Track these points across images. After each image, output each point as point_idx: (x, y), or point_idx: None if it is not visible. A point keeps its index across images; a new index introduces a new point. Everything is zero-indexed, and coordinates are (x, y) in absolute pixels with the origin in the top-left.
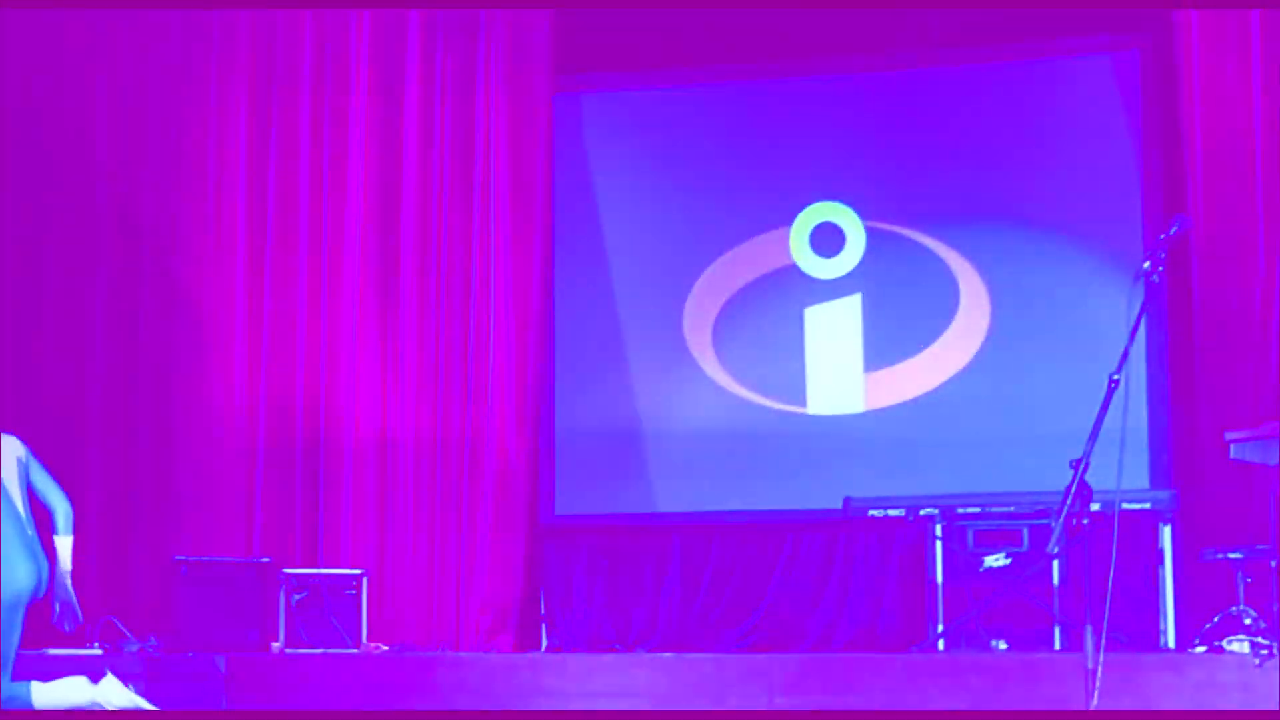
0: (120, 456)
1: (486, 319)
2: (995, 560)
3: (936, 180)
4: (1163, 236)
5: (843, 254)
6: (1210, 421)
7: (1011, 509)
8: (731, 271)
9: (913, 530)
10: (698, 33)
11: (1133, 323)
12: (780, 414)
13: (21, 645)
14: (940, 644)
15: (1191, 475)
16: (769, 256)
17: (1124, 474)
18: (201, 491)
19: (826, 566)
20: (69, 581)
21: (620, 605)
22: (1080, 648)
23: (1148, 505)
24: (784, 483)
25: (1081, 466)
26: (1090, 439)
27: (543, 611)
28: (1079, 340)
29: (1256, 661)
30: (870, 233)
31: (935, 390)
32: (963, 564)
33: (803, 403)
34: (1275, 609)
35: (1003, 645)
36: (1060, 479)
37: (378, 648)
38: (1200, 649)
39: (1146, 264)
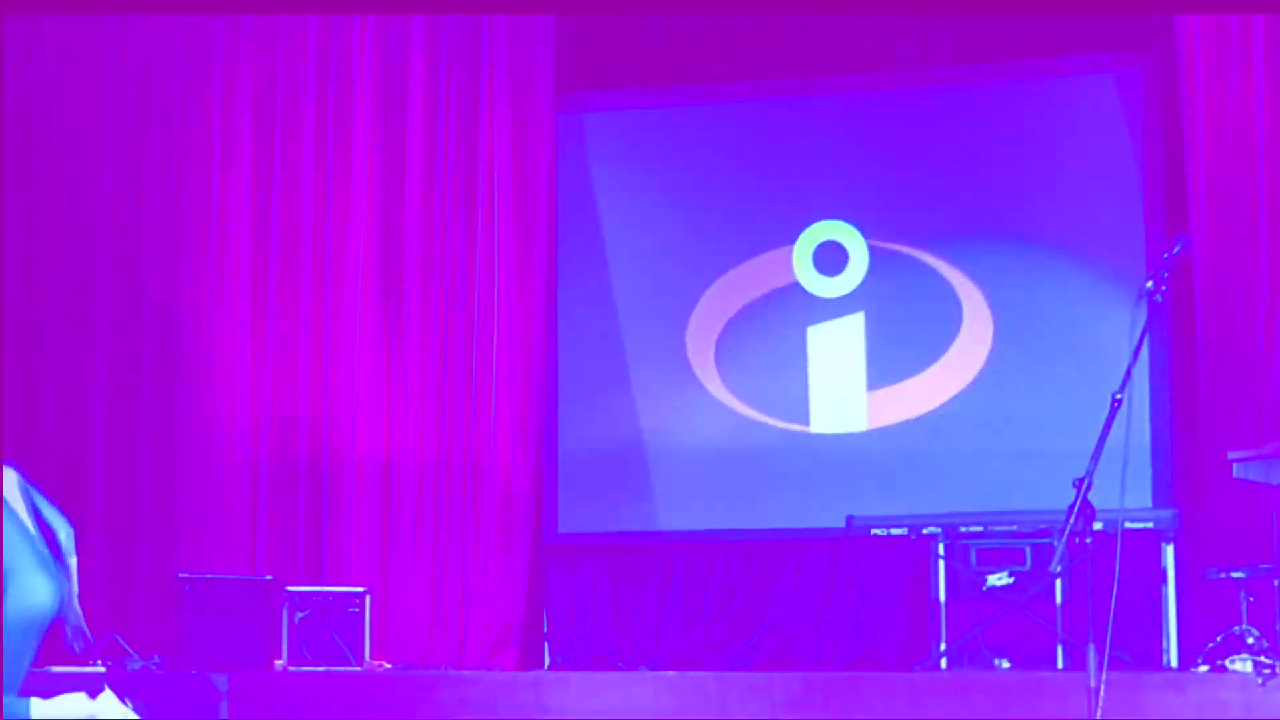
0: (124, 474)
1: (489, 337)
2: (998, 579)
3: (939, 198)
4: (1166, 256)
5: (846, 272)
6: (1213, 440)
7: (1014, 528)
8: (734, 290)
9: (915, 549)
10: (700, 52)
11: (1136, 341)
12: (783, 432)
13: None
14: (943, 662)
15: (1194, 494)
16: (772, 275)
17: (1127, 493)
18: (205, 509)
19: (829, 585)
20: (76, 604)
21: (623, 623)
22: (1083, 666)
23: (1150, 524)
24: (787, 501)
25: (1084, 485)
26: (1093, 458)
27: (545, 630)
28: (1082, 359)
29: (1259, 681)
30: (873, 251)
31: (938, 409)
32: (965, 583)
33: (806, 421)
34: (1278, 628)
35: (1005, 664)
36: (1063, 498)
37: (381, 666)
38: (1203, 668)
39: (1150, 283)
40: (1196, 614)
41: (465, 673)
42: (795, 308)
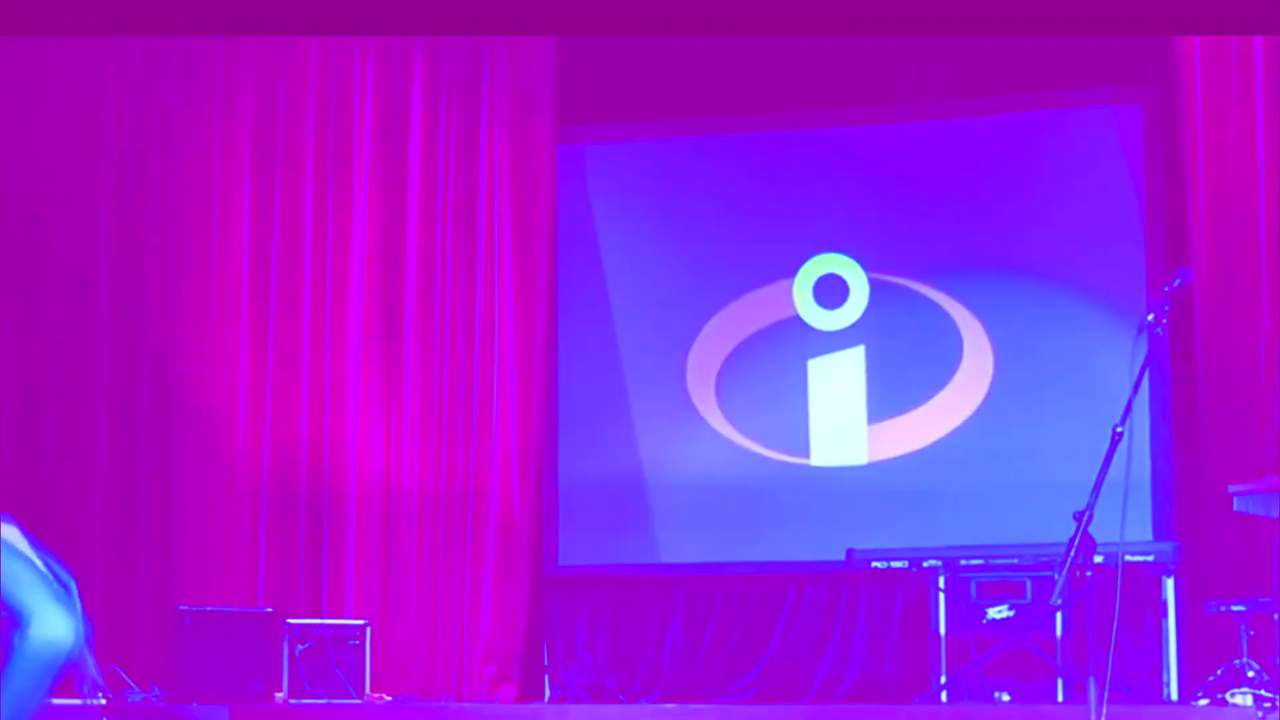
0: (124, 506)
1: (490, 369)
2: (998, 612)
3: (940, 232)
4: (1166, 289)
5: (846, 306)
6: (1213, 474)
7: (1015, 561)
8: (735, 323)
9: (916, 582)
10: (702, 85)
11: (1136, 374)
12: (783, 465)
13: None
14: (943, 695)
15: (1195, 528)
16: (772, 308)
17: (1127, 526)
18: (205, 541)
19: (830, 617)
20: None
21: (623, 656)
22: (1083, 700)
23: (1151, 558)
24: (787, 534)
25: (1085, 518)
26: (1093, 491)
27: (546, 662)
28: (1082, 392)
29: (1259, 714)
30: (874, 284)
31: (939, 442)
32: (965, 615)
33: (806, 454)
34: (1278, 662)
35: (1005, 697)
36: (1063, 531)
37: (381, 698)
38: (1203, 702)
39: (1150, 316)
40: (1197, 647)
41: (465, 705)
42: (796, 341)
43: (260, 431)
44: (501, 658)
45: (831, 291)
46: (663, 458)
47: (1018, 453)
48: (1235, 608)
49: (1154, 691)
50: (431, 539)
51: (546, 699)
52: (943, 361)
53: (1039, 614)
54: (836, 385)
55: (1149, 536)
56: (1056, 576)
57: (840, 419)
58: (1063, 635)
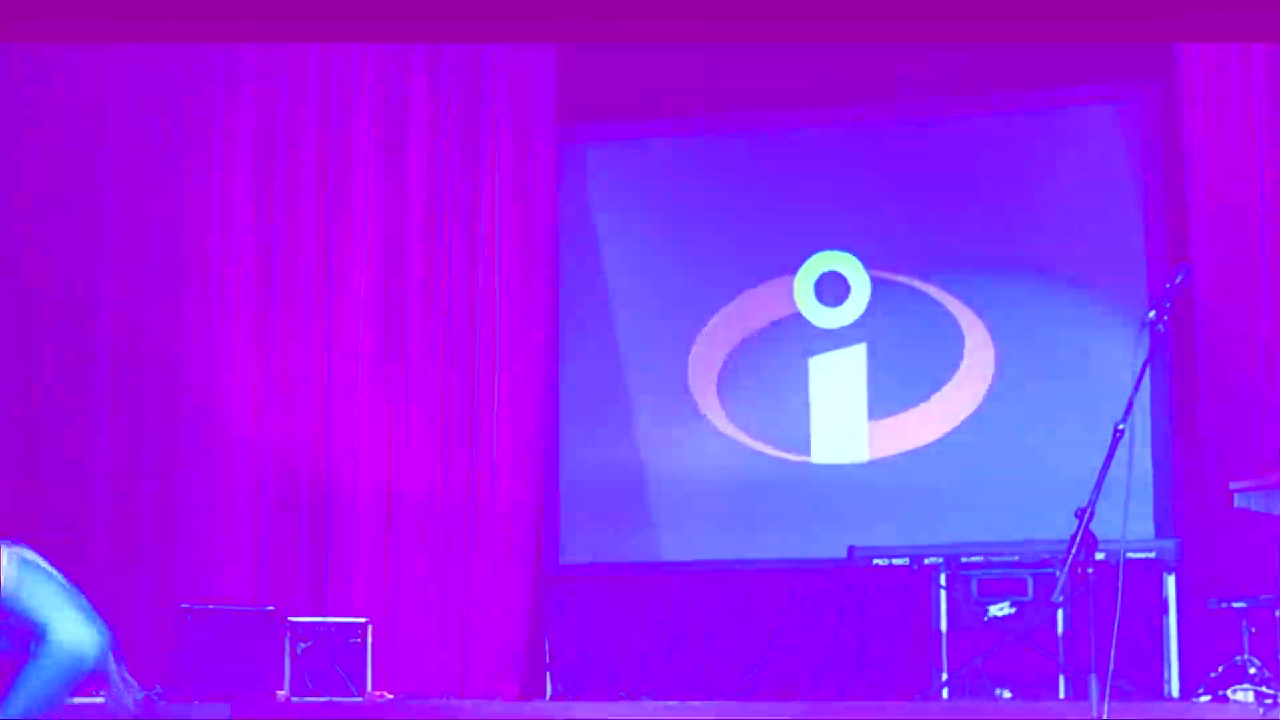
0: (126, 503)
1: (491, 368)
2: (999, 609)
3: (941, 229)
4: (1168, 286)
5: (847, 303)
6: (1215, 471)
7: (1016, 558)
8: (736, 320)
9: (917, 579)
10: (702, 83)
11: (1138, 372)
12: (785, 463)
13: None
14: (945, 693)
15: (1196, 525)
16: (773, 305)
17: (1129, 523)
18: (207, 539)
19: (831, 615)
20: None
21: (625, 653)
22: (1085, 697)
23: (1152, 554)
24: (788, 531)
25: (1086, 516)
26: (1095, 488)
27: (547, 659)
28: (1083, 389)
29: (1261, 711)
30: (875, 282)
31: (940, 439)
32: (967, 613)
33: (807, 451)
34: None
35: (1007, 694)
36: (1065, 528)
37: (383, 696)
38: (1205, 698)
39: (1151, 313)
40: (1198, 644)
41: (467, 703)
42: (797, 338)
43: (262, 429)
44: (503, 655)
45: (833, 289)
46: (664, 455)
47: (1019, 450)
48: (1237, 604)
49: (1156, 688)
50: (433, 536)
51: (548, 696)
52: (944, 359)
53: (1040, 611)
54: (838, 382)
55: (1151, 533)
56: (1058, 574)
57: (841, 416)
58: (1064, 632)
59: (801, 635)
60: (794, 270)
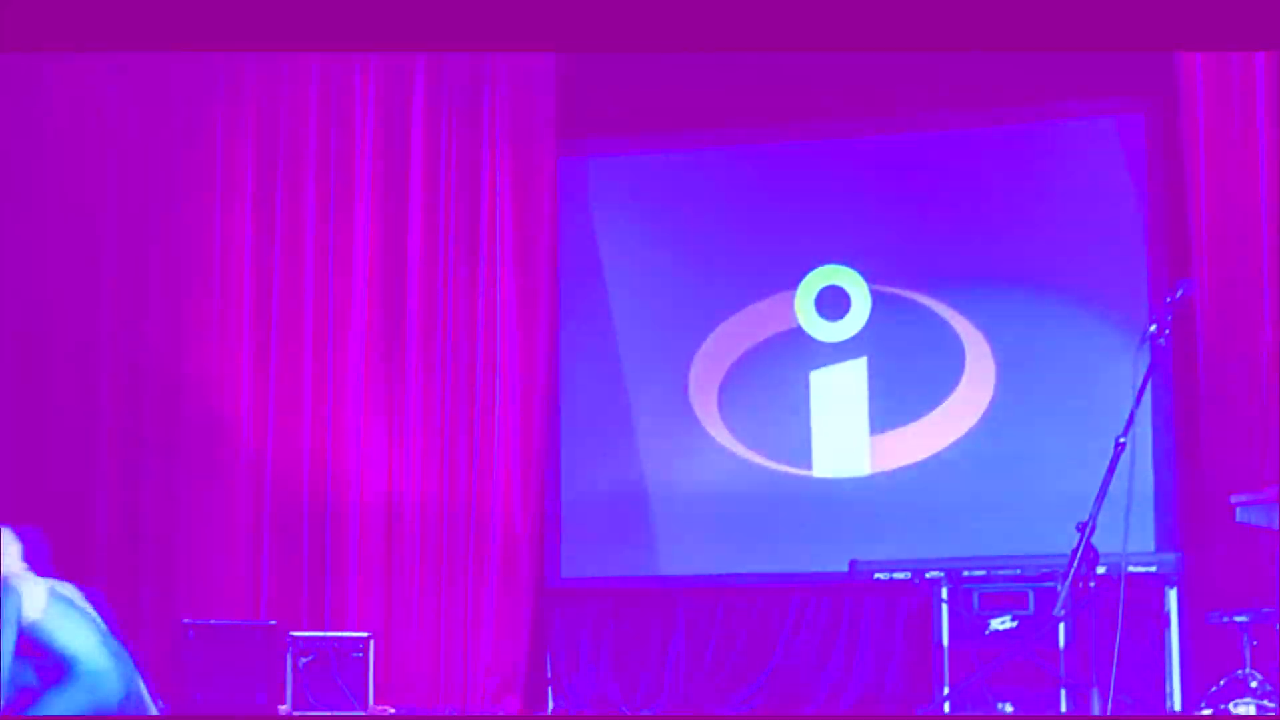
0: (127, 519)
1: (492, 382)
2: (1001, 623)
3: (942, 243)
4: (1169, 300)
5: (848, 317)
6: (1216, 485)
7: (1017, 572)
8: (737, 335)
9: (918, 593)
10: (703, 97)
11: (1139, 386)
12: (786, 477)
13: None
14: (946, 706)
15: (1197, 538)
16: (774, 320)
17: (1130, 537)
18: (209, 555)
19: (832, 629)
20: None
21: (626, 668)
22: (1087, 710)
23: (1153, 568)
24: (789, 545)
25: (1088, 529)
26: (1096, 502)
27: (549, 674)
28: (1084, 403)
29: None
30: (876, 296)
31: (941, 453)
32: (968, 627)
33: (808, 465)
34: None
35: (1009, 708)
36: (1066, 542)
37: (385, 710)
38: (1206, 712)
39: (1153, 327)
40: (1199, 658)
41: (469, 716)
42: (798, 352)
43: (263, 445)
44: (504, 670)
45: (833, 303)
46: (665, 469)
47: (1020, 464)
48: (1238, 618)
49: (1157, 702)
50: (434, 551)
51: (550, 710)
52: (945, 373)
53: (1042, 625)
54: (839, 397)
55: (1151, 547)
56: (1059, 587)
57: (842, 430)
58: (1066, 646)
59: (803, 649)
60: (795, 284)
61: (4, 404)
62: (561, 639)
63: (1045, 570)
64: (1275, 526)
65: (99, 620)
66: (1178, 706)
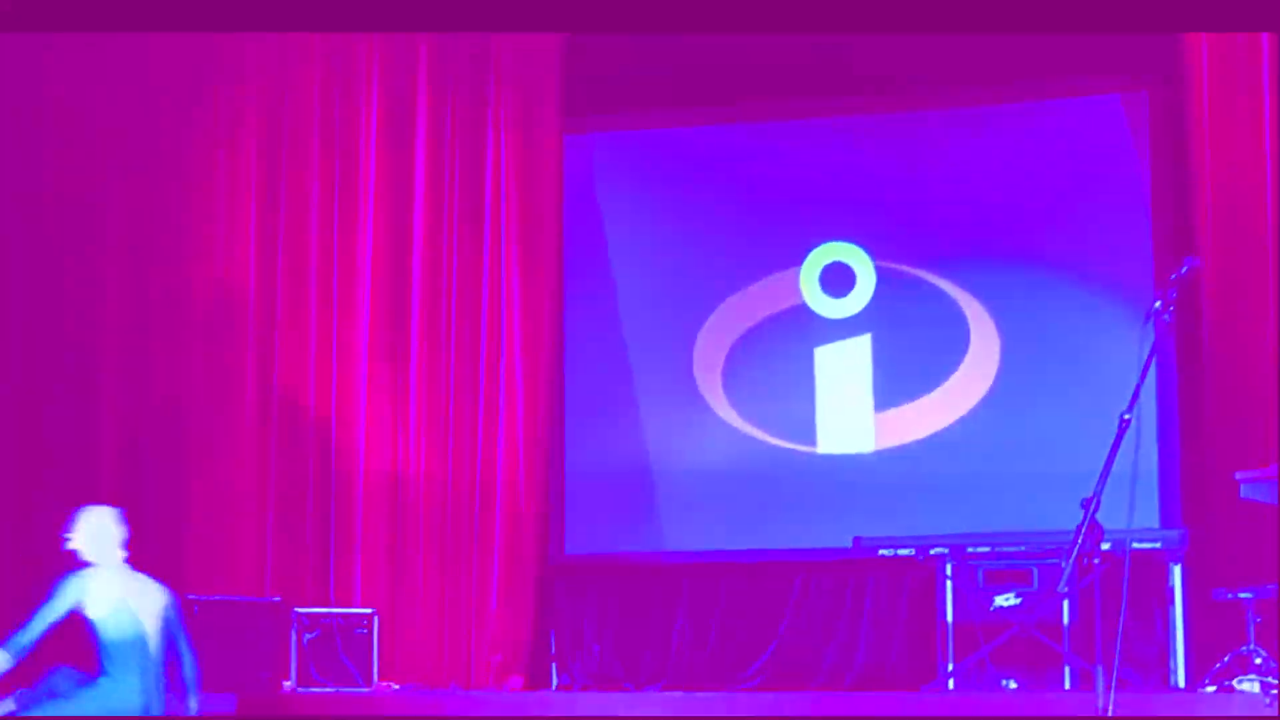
0: (133, 495)
1: (497, 359)
2: (1005, 599)
3: (947, 220)
4: (1173, 277)
5: (853, 294)
6: (1220, 462)
7: (1021, 548)
8: (741, 311)
9: (923, 569)
10: (708, 74)
11: (1143, 363)
12: (790, 453)
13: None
14: (950, 683)
15: (1202, 515)
16: (779, 296)
17: (1134, 513)
18: (213, 531)
19: (836, 605)
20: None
21: (631, 644)
22: (1090, 687)
23: (1158, 545)
24: (794, 522)
25: (1092, 506)
26: (1101, 478)
27: (553, 651)
28: (1089, 380)
29: (1267, 701)
30: (880, 272)
31: (945, 430)
32: (973, 603)
33: (813, 442)
34: None
35: (1013, 684)
36: (1070, 518)
37: (389, 686)
38: (1210, 689)
39: (1157, 303)
40: (1204, 634)
41: (473, 693)
42: (802, 329)
43: (268, 421)
44: (509, 646)
45: (838, 280)
46: (670, 446)
47: (1024, 440)
48: (1242, 595)
49: (1161, 679)
50: (438, 528)
51: (554, 687)
52: (949, 349)
53: (1046, 601)
54: (843, 373)
55: (1156, 524)
56: (1064, 564)
57: (847, 407)
58: (1070, 623)
59: (807, 626)
60: (799, 261)
61: (7, 379)
62: (566, 616)
63: (1049, 547)
64: (1279, 503)
65: (149, 635)
66: (1181, 683)
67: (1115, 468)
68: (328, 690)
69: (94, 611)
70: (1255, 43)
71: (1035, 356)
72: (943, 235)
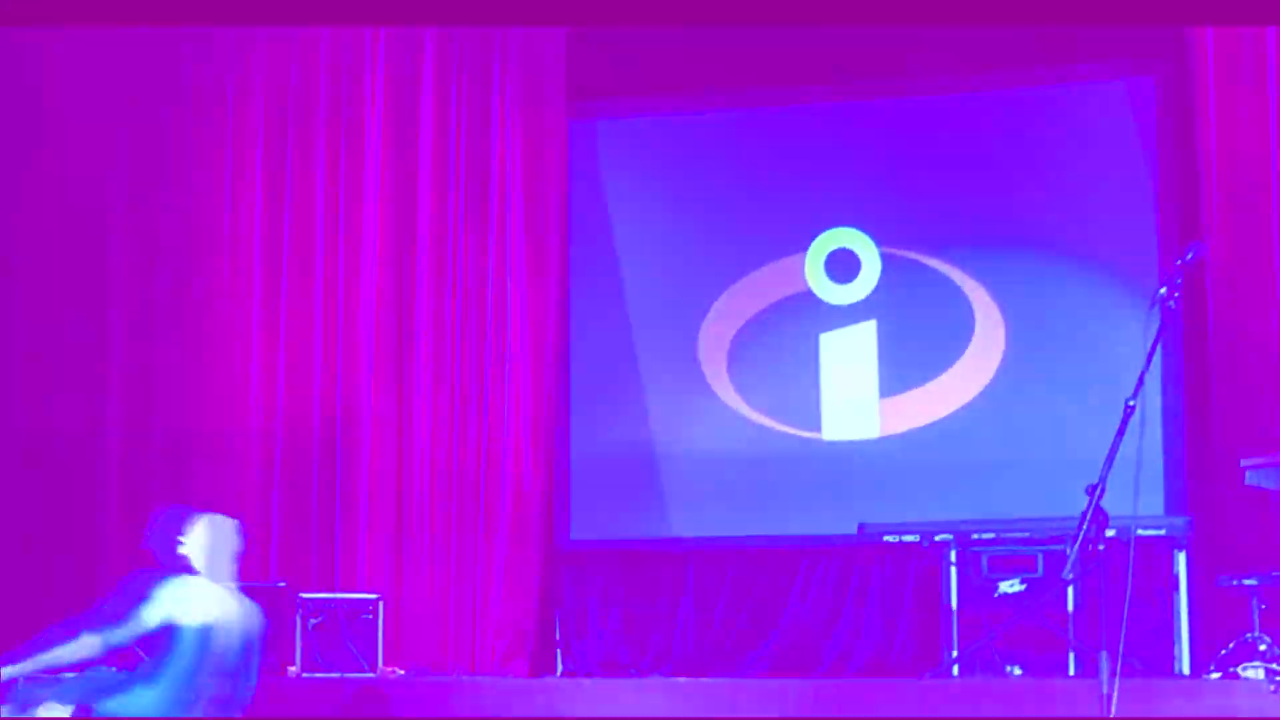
0: (138, 481)
1: (502, 344)
2: (1010, 586)
3: (952, 206)
4: (1179, 262)
5: (858, 280)
6: (1226, 447)
7: (1026, 535)
8: (747, 297)
9: (927, 556)
10: (713, 59)
11: (1149, 348)
12: (795, 439)
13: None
14: (955, 669)
15: (1207, 501)
16: (784, 282)
17: (1139, 500)
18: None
19: (841, 592)
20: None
21: (635, 630)
22: (1095, 674)
23: (1163, 531)
24: (799, 508)
25: (1097, 492)
26: (1106, 465)
27: (558, 636)
28: (1094, 366)
29: (1271, 688)
30: (885, 259)
31: (950, 416)
32: (977, 590)
33: (818, 428)
34: None
35: (1017, 671)
36: (1075, 505)
37: (394, 672)
38: (1215, 675)
39: (1163, 289)
40: (1209, 621)
41: (478, 679)
42: (807, 315)
43: (273, 406)
44: (513, 632)
45: (843, 266)
46: (675, 432)
47: (1030, 426)
48: (1247, 581)
49: (1166, 665)
50: (444, 513)
51: (559, 673)
52: (955, 335)
53: (1051, 588)
54: (848, 359)
55: (1161, 510)
56: (1068, 550)
57: (852, 393)
58: (1074, 609)
59: (812, 612)
60: (805, 247)
61: (13, 364)
62: (570, 601)
63: (1054, 533)
64: None
65: (229, 656)
66: (1186, 670)
67: (1120, 454)
68: (333, 676)
69: (183, 622)
70: (1261, 29)
71: (1040, 343)
72: (948, 221)
